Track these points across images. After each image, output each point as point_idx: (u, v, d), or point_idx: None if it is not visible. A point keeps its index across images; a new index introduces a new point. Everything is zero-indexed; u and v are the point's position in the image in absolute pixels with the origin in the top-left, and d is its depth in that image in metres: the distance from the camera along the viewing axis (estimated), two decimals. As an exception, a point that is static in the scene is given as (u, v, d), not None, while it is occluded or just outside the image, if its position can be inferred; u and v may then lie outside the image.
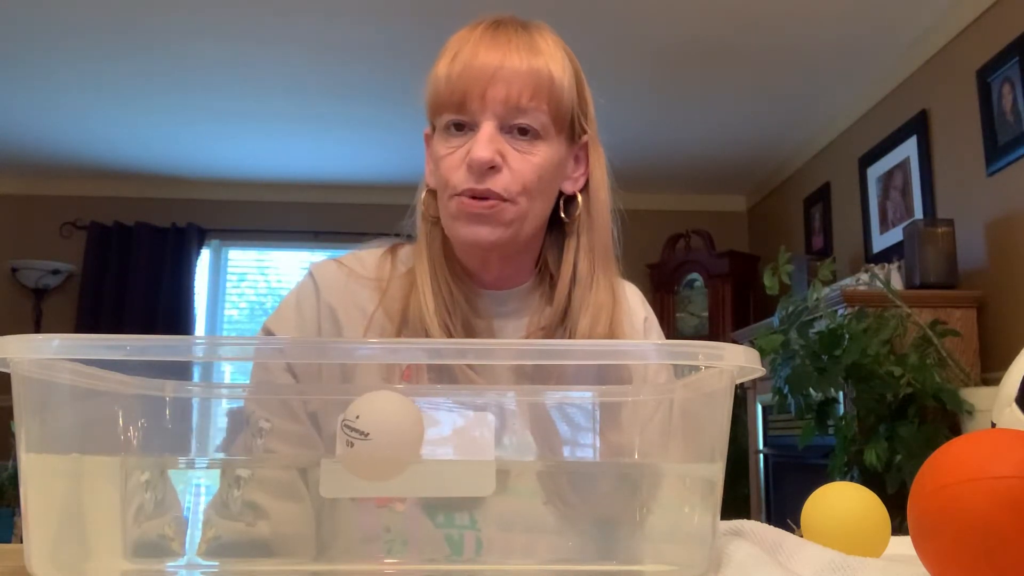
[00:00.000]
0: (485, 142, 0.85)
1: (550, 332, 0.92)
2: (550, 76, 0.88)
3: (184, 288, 4.72)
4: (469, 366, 0.74)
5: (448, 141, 0.89)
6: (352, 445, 0.52)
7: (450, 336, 0.88)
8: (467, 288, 0.93)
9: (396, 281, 0.94)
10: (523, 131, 0.87)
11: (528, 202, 0.88)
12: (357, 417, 0.53)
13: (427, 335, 0.87)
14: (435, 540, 0.64)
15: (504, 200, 0.87)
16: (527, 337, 0.93)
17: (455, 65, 0.87)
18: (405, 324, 0.90)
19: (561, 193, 0.94)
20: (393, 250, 0.98)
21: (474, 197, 0.86)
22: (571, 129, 0.93)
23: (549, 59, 0.88)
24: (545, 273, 0.97)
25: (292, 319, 0.93)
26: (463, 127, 0.88)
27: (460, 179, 0.87)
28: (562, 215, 0.94)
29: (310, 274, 0.95)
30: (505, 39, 0.88)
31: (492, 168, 0.86)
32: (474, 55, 0.87)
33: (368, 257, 0.98)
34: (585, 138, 0.95)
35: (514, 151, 0.87)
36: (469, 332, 0.91)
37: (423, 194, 0.95)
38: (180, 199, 4.79)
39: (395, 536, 0.62)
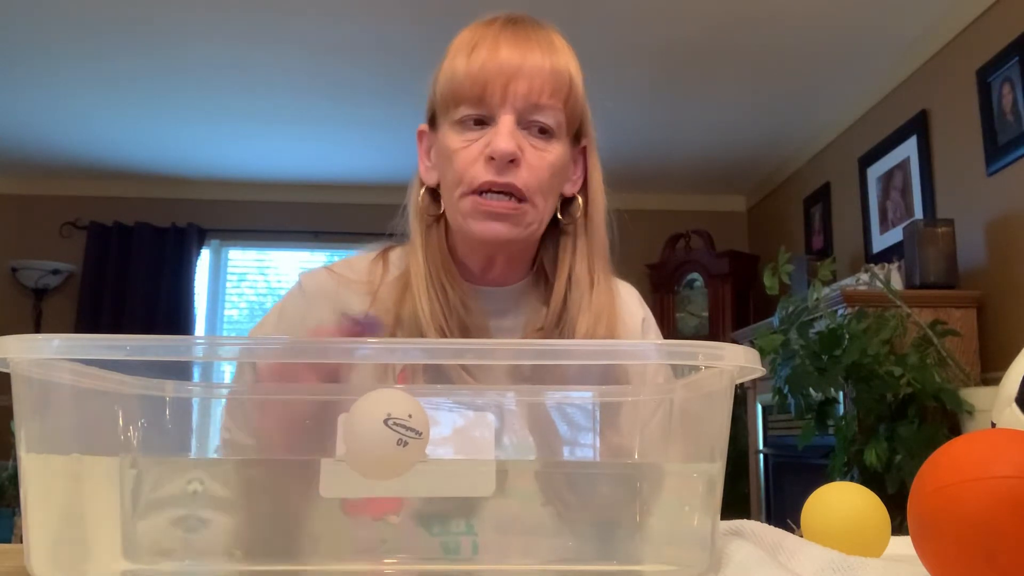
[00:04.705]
0: (507, 135, 0.85)
1: (547, 333, 0.91)
2: (569, 76, 0.88)
3: (184, 288, 4.71)
4: (465, 368, 0.73)
5: (464, 135, 0.88)
6: (406, 444, 0.52)
7: (446, 337, 0.88)
8: (462, 287, 0.92)
9: (388, 286, 0.93)
10: (540, 128, 0.87)
11: (543, 201, 0.88)
12: (410, 416, 0.52)
13: (422, 337, 0.87)
14: (431, 548, 0.63)
15: (523, 200, 0.86)
16: (524, 338, 0.93)
17: (475, 59, 0.86)
18: (400, 327, 0.90)
19: (560, 194, 0.94)
20: (385, 254, 0.98)
21: (493, 191, 0.86)
22: (577, 131, 0.93)
23: (568, 59, 0.89)
24: (540, 273, 0.96)
25: (271, 329, 0.93)
26: (480, 122, 0.87)
27: (478, 172, 0.86)
28: (559, 216, 0.94)
29: (299, 284, 0.95)
30: (525, 36, 0.88)
31: (512, 162, 0.85)
32: (495, 50, 0.86)
33: (359, 262, 0.97)
34: (585, 141, 0.95)
35: (531, 147, 0.87)
36: (464, 334, 0.90)
37: (419, 192, 0.94)
38: (180, 199, 4.79)
39: (391, 547, 0.61)
